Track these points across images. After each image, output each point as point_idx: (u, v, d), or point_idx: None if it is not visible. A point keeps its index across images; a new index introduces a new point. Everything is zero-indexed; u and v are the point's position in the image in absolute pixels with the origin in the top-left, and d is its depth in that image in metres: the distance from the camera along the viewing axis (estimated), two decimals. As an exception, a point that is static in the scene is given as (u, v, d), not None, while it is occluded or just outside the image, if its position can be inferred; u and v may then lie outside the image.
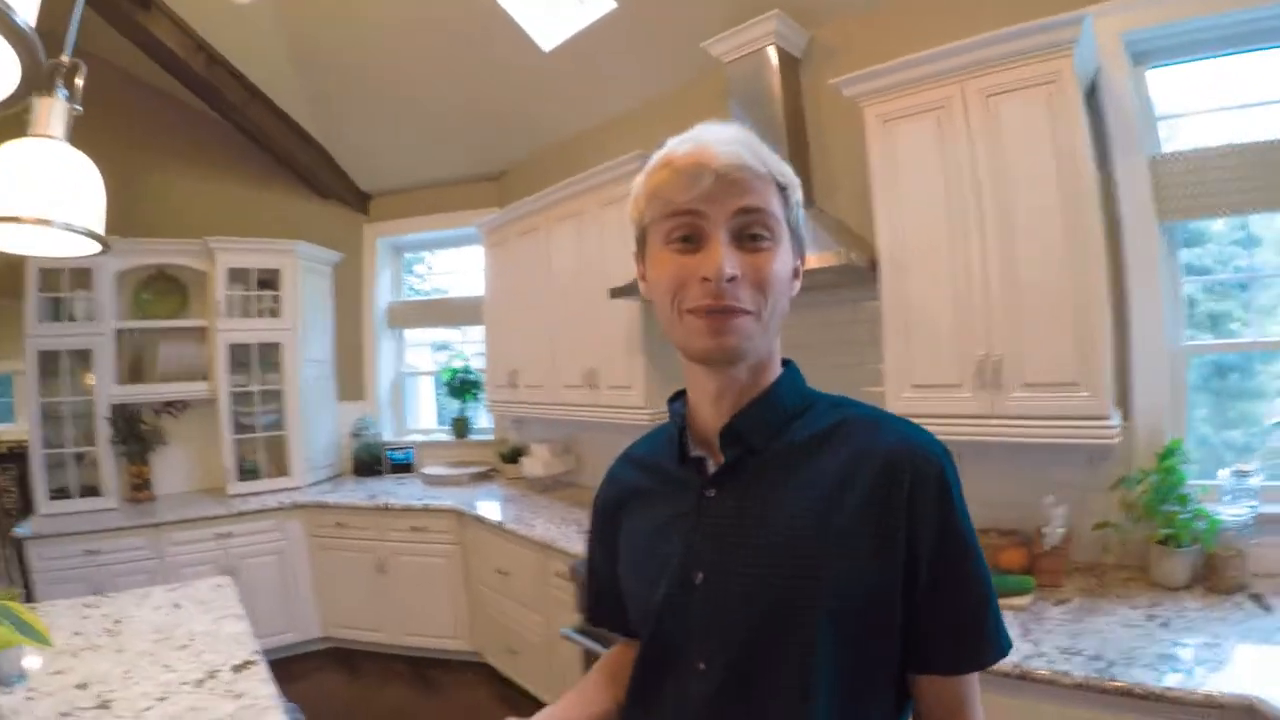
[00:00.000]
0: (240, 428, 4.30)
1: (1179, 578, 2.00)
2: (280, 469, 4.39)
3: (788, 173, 0.84)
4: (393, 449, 4.83)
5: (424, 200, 4.91)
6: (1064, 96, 1.95)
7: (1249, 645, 1.63)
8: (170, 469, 4.41)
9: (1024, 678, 1.60)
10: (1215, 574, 1.97)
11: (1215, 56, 2.20)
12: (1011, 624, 1.74)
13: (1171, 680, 1.47)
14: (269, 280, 4.35)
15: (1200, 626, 1.74)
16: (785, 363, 0.92)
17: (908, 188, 2.24)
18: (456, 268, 5.28)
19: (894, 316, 2.29)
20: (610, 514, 1.02)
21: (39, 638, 1.53)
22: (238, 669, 1.81)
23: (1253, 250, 2.29)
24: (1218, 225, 2.32)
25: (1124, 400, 2.16)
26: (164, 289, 4.37)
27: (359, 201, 5.03)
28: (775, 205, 0.82)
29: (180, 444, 4.43)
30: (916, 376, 2.24)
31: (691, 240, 0.80)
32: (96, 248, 1.59)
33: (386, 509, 3.96)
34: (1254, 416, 2.30)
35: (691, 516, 0.86)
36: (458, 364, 4.86)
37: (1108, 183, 2.17)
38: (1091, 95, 2.18)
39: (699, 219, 0.79)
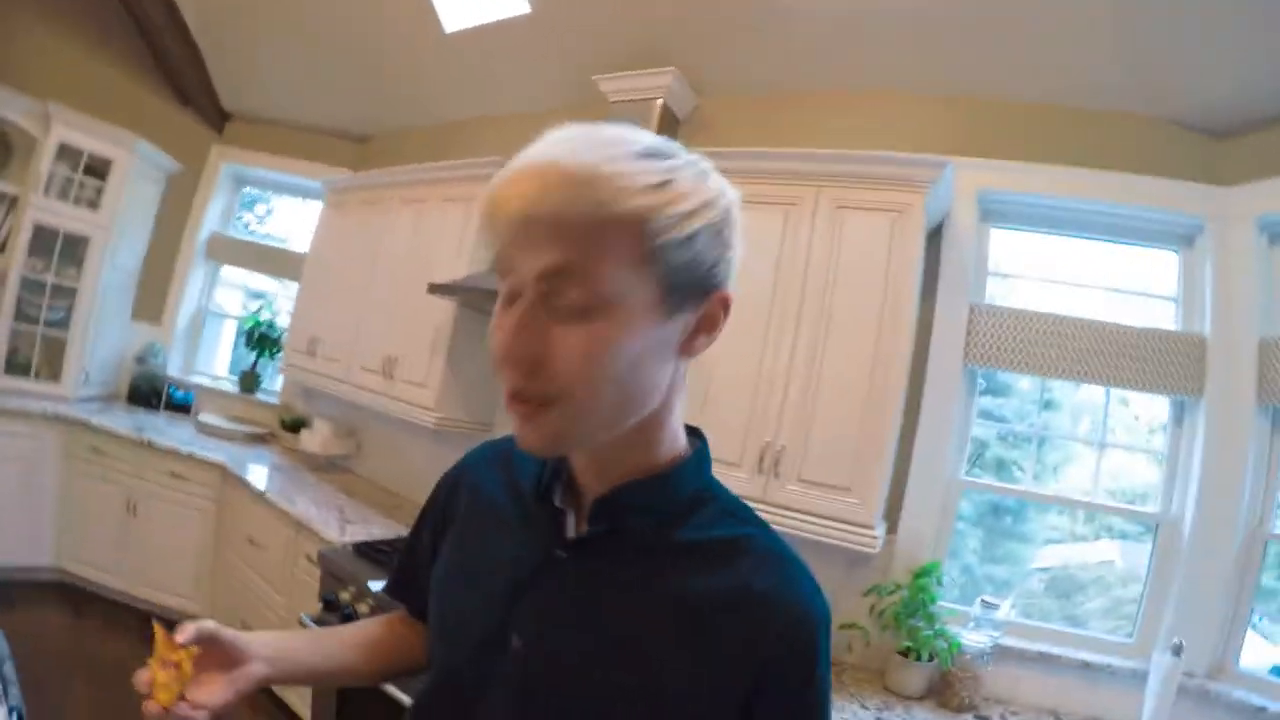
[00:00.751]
0: (21, 317, 3.83)
1: (913, 688, 2.14)
2: (53, 373, 3.93)
3: (654, 215, 0.59)
4: (174, 385, 4.40)
5: (283, 139, 4.59)
6: (908, 229, 2.05)
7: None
8: (-72, 342, 3.83)
9: None
10: (949, 690, 2.11)
11: (1052, 232, 2.47)
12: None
13: None
14: (98, 169, 3.92)
15: None
16: (698, 436, 0.80)
17: (743, 267, 2.24)
18: (293, 218, 4.94)
19: (695, 384, 2.27)
20: (451, 502, 0.89)
21: None
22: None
23: (1050, 412, 2.53)
24: (1023, 383, 2.54)
25: (894, 515, 2.29)
26: (-16, 141, 3.83)
27: (216, 118, 4.64)
28: (609, 257, 0.58)
29: (-53, 317, 3.87)
30: (703, 448, 2.24)
31: (508, 300, 0.62)
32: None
33: (150, 446, 3.57)
34: (1019, 557, 2.52)
35: (527, 570, 0.73)
36: (265, 316, 4.52)
37: (928, 314, 2.32)
38: (936, 233, 2.33)
39: (514, 276, 0.61)
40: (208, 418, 4.19)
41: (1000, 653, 2.13)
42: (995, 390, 2.55)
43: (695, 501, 0.74)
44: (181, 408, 4.36)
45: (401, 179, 3.44)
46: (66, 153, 3.82)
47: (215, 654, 0.77)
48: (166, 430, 3.84)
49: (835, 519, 2.02)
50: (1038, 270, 2.49)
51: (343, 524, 2.88)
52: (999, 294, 2.51)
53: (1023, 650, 2.17)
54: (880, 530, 2.06)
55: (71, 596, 3.67)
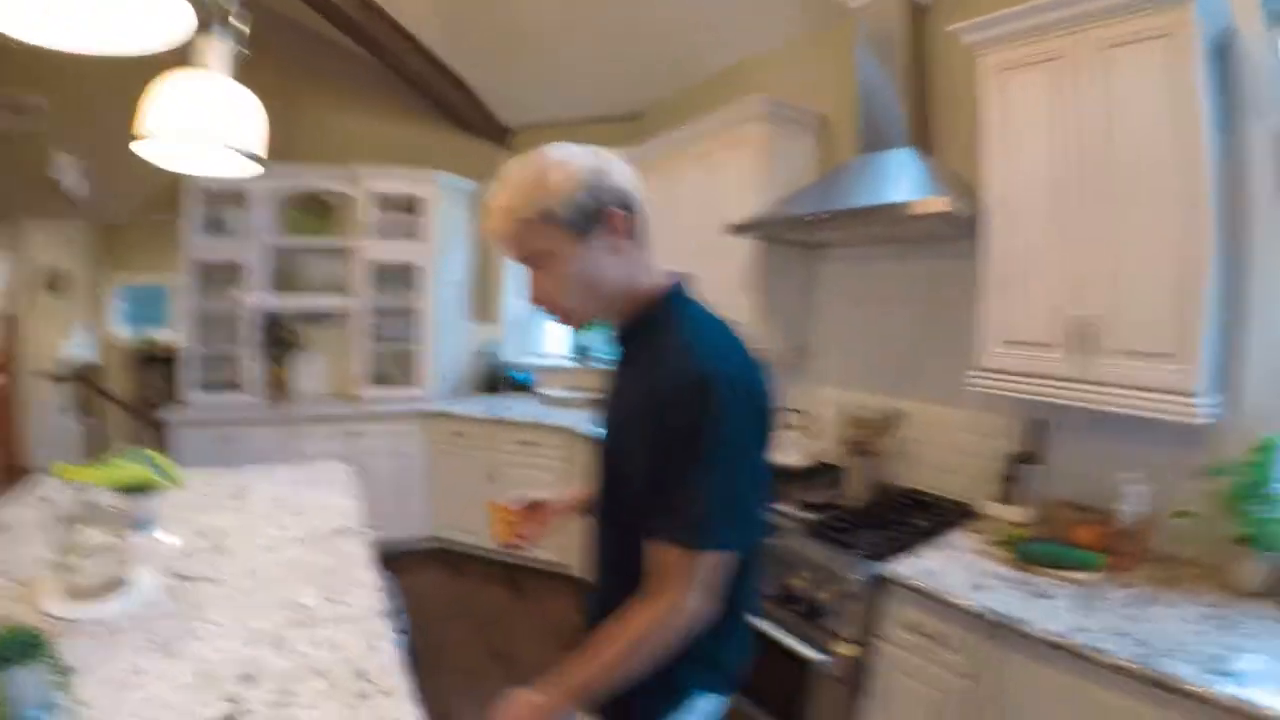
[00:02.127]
0: (376, 339, 4.69)
1: (1250, 583, 1.86)
2: (410, 379, 4.77)
3: (547, 200, 1.11)
4: (514, 369, 5.14)
5: (564, 136, 4.99)
6: (1181, 52, 1.81)
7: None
8: (307, 374, 4.81)
9: (1060, 648, 1.62)
10: None
11: None
12: (1069, 596, 1.81)
13: (1217, 685, 1.39)
14: (410, 206, 4.69)
15: (1263, 638, 1.61)
16: (675, 288, 1.26)
17: (1018, 139, 2.17)
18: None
19: (994, 269, 2.25)
20: None
21: (172, 480, 1.83)
22: (339, 532, 2.05)
23: None
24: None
25: (1230, 384, 1.99)
26: (313, 210, 4.75)
27: (501, 136, 5.27)
28: (542, 235, 1.13)
29: (318, 351, 4.85)
30: (1009, 332, 2.20)
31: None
32: (257, 169, 1.86)
33: (501, 422, 4.30)
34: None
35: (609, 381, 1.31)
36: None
37: (1237, 148, 1.98)
38: (1225, 54, 1.99)
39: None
40: (549, 391, 4.86)
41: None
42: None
43: (664, 325, 1.19)
44: (523, 387, 5.09)
45: (680, 141, 3.64)
46: (380, 200, 4.62)
47: (536, 511, 1.55)
48: (514, 408, 4.54)
49: (1157, 389, 1.86)
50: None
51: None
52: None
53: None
54: (1209, 399, 1.84)
55: (449, 558, 4.48)
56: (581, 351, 5.08)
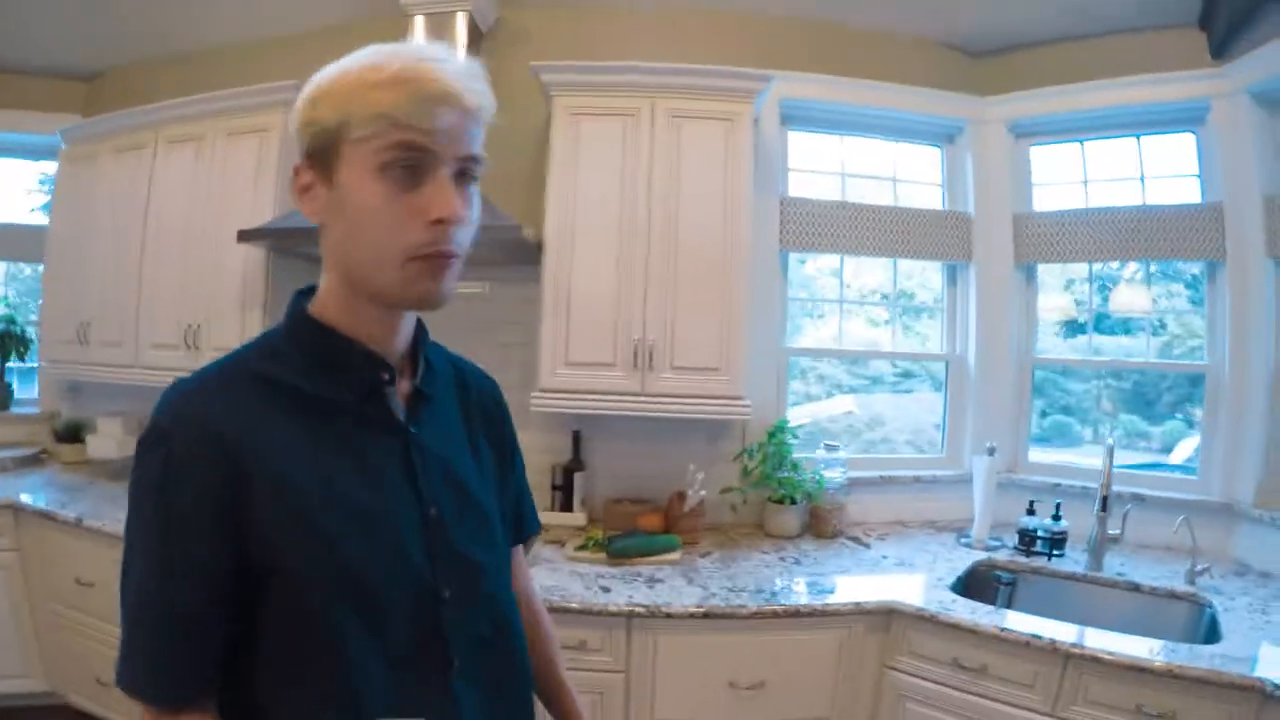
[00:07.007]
0: None
1: (792, 528, 2.80)
2: None
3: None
4: None
5: None
6: (738, 135, 2.58)
7: (864, 571, 2.43)
8: None
9: (709, 615, 2.11)
10: (820, 523, 2.81)
11: (838, 133, 3.20)
12: (674, 575, 2.35)
13: (826, 599, 2.16)
14: None
15: (824, 562, 2.51)
16: None
17: (585, 179, 2.64)
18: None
19: (554, 296, 2.64)
20: (224, 473, 0.79)
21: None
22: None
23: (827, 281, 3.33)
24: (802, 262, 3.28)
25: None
26: None
27: None
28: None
29: None
30: (572, 355, 2.64)
31: (414, 174, 0.77)
32: None
33: None
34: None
35: (403, 452, 0.88)
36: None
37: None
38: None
39: (427, 155, 0.77)
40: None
41: (851, 484, 2.88)
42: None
43: (424, 335, 0.98)
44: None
45: (167, 114, 3.24)
46: None
47: None
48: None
49: (710, 396, 2.55)
50: (830, 165, 3.20)
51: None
52: (800, 188, 3.15)
53: (868, 478, 2.97)
54: (747, 401, 2.59)
55: None
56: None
